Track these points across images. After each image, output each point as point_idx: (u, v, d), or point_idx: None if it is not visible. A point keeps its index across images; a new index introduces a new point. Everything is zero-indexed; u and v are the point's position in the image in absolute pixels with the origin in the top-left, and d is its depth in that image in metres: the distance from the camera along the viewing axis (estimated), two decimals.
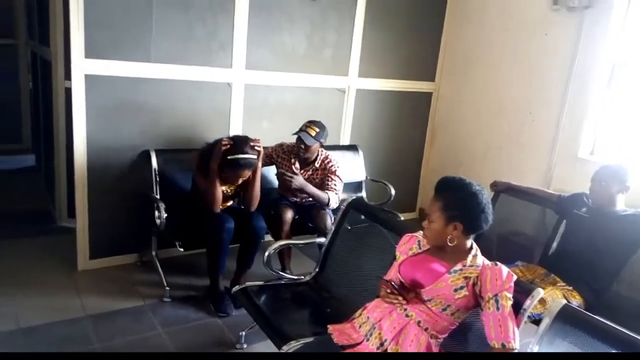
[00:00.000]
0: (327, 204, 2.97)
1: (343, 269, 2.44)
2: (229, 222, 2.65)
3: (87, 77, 2.77)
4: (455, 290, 1.61)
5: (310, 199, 3.04)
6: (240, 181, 2.75)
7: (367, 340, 1.68)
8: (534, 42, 3.59)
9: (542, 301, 2.00)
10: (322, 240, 2.59)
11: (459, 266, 1.65)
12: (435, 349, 1.64)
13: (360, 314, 1.78)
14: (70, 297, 2.72)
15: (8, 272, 2.88)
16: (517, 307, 1.58)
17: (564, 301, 1.62)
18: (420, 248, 1.81)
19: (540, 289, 1.61)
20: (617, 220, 2.31)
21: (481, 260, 1.68)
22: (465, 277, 1.62)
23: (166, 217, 2.75)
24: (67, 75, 3.07)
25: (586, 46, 3.28)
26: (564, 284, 2.30)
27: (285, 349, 1.85)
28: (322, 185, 3.03)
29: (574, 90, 3.35)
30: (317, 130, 2.98)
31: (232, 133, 3.20)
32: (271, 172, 3.26)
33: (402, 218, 3.72)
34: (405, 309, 1.67)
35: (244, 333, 2.42)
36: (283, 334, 1.94)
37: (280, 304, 2.36)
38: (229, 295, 2.70)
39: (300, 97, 3.61)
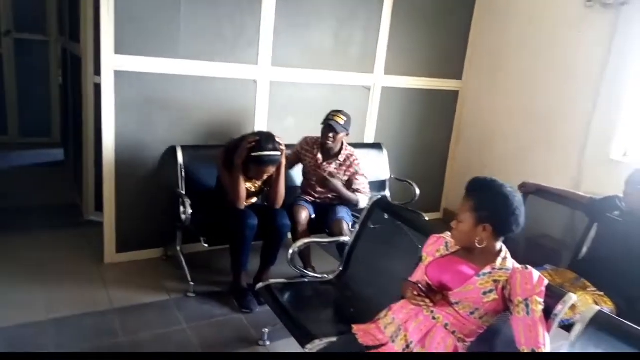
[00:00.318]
0: (357, 206, 2.98)
1: (367, 268, 2.42)
2: (253, 218, 2.66)
3: (116, 73, 2.81)
4: (484, 293, 1.58)
5: (330, 197, 3.06)
6: (265, 177, 2.75)
7: (393, 341, 1.66)
8: (566, 40, 3.50)
9: (572, 306, 1.95)
10: (345, 239, 2.58)
11: (488, 269, 1.62)
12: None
13: (386, 315, 1.76)
14: (98, 290, 2.77)
15: (37, 263, 2.95)
16: (548, 312, 1.54)
17: (598, 307, 1.57)
18: (447, 250, 1.78)
19: (573, 295, 1.57)
20: None
21: (511, 263, 1.64)
22: (495, 281, 1.59)
23: (191, 212, 2.77)
24: (97, 71, 3.12)
25: (621, 44, 3.18)
26: (595, 289, 2.24)
27: (309, 347, 1.84)
28: (348, 185, 3.03)
29: (607, 89, 3.25)
30: (345, 119, 3.01)
31: (257, 130, 3.21)
32: (297, 170, 3.26)
33: (427, 218, 3.68)
34: (432, 311, 1.65)
35: (267, 330, 2.43)
36: (307, 332, 1.93)
37: (303, 302, 2.35)
38: (252, 292, 2.71)
39: (325, 95, 3.60)
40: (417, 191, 3.66)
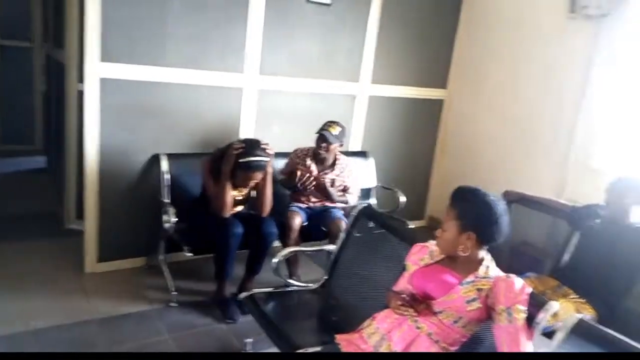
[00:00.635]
0: (347, 204, 3.08)
1: (352, 277, 2.41)
2: (238, 227, 2.64)
3: (102, 80, 2.78)
4: (468, 302, 1.59)
5: (323, 202, 3.09)
6: (252, 184, 2.74)
7: (376, 351, 1.65)
8: (549, 51, 3.56)
9: (555, 314, 1.96)
10: (331, 247, 2.57)
11: (471, 278, 1.63)
12: None
13: (370, 324, 1.76)
14: (78, 300, 2.71)
15: (15, 273, 2.88)
16: (530, 320, 1.55)
17: (579, 315, 1.58)
18: (431, 258, 1.78)
19: (555, 303, 1.58)
20: (632, 233, 2.27)
21: (494, 271, 1.65)
22: (478, 289, 1.60)
23: (175, 221, 2.74)
24: (80, 78, 3.09)
25: (603, 55, 3.24)
26: (577, 296, 2.26)
27: None
28: (343, 191, 3.11)
29: (589, 99, 3.31)
30: (339, 129, 3.04)
31: (242, 137, 3.19)
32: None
33: (412, 226, 3.69)
34: (416, 321, 1.64)
35: (250, 340, 2.40)
36: (290, 342, 1.91)
37: (287, 312, 2.34)
38: (235, 302, 2.68)
39: (311, 103, 3.60)
40: (403, 199, 3.67)
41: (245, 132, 3.32)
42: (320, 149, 3.02)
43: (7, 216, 3.68)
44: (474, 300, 1.58)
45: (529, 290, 1.57)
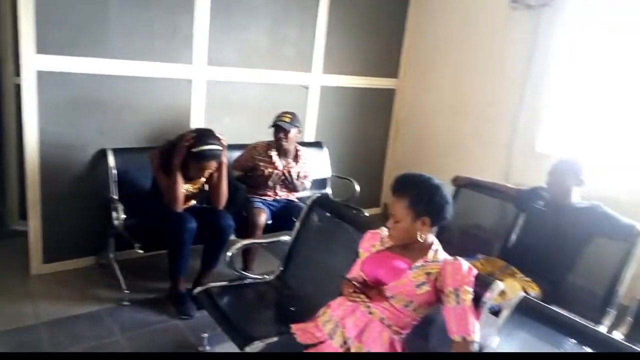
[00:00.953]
0: (306, 189, 3.21)
1: (308, 267, 2.42)
2: (191, 221, 2.58)
3: (39, 73, 2.65)
4: (418, 286, 1.62)
5: (285, 194, 3.14)
6: (206, 174, 2.67)
7: (331, 338, 1.66)
8: (494, 40, 3.66)
9: (502, 293, 2.04)
10: (287, 238, 2.56)
11: (420, 262, 1.66)
12: (397, 345, 1.64)
13: (324, 312, 1.77)
14: (23, 304, 2.60)
15: None
16: (477, 300, 1.60)
17: (523, 293, 1.65)
18: (382, 245, 1.81)
19: (499, 282, 1.64)
20: (573, 213, 2.38)
21: (442, 255, 1.69)
22: (427, 273, 1.63)
23: (125, 217, 2.66)
24: (17, 72, 2.93)
25: (543, 44, 3.37)
26: (523, 275, 2.35)
27: (248, 350, 1.81)
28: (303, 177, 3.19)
29: (532, 86, 3.44)
30: (290, 116, 3.03)
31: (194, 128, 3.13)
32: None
33: (367, 214, 3.73)
34: (369, 307, 1.66)
35: (206, 335, 2.37)
36: (246, 334, 1.90)
37: (243, 305, 2.32)
38: (191, 297, 2.64)
39: (263, 94, 3.57)
40: (357, 188, 3.71)
41: (196, 124, 3.25)
42: (281, 140, 3.00)
43: None
44: (423, 284, 1.62)
45: (475, 271, 1.62)
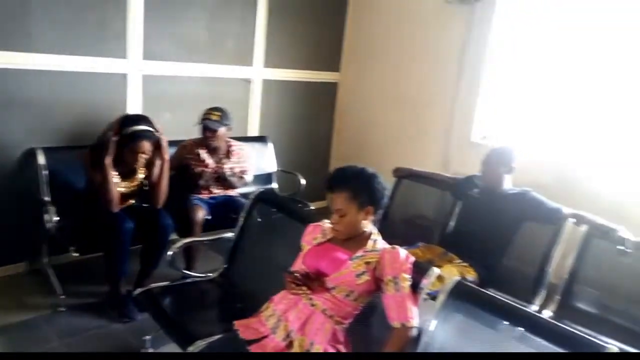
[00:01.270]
0: (247, 184, 3.13)
1: (253, 262, 2.40)
2: (128, 222, 2.50)
3: None
4: (357, 275, 1.65)
5: (226, 191, 3.08)
6: (142, 159, 2.53)
7: (274, 333, 1.67)
8: (430, 34, 3.76)
9: (441, 278, 2.11)
10: (230, 235, 2.53)
11: (360, 252, 1.69)
12: (340, 335, 1.67)
13: (267, 307, 1.77)
14: None
15: None
16: (415, 287, 1.65)
17: (457, 278, 1.71)
18: (324, 237, 1.83)
19: (435, 268, 1.70)
20: (504, 199, 2.50)
21: (381, 244, 1.73)
22: (367, 263, 1.67)
23: (58, 220, 2.54)
24: None
25: (476, 37, 3.49)
26: (460, 261, 2.45)
27: (191, 349, 1.78)
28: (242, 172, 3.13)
29: (466, 79, 3.57)
30: (219, 114, 2.94)
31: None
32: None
33: (313, 207, 3.76)
34: (311, 299, 1.68)
35: (149, 337, 2.31)
36: (188, 334, 1.87)
37: (187, 304, 2.28)
38: (132, 299, 2.56)
39: (204, 88, 3.50)
40: (303, 181, 3.72)
41: None
42: (209, 139, 2.94)
43: None
44: (363, 273, 1.65)
45: (413, 259, 1.67)
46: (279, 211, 2.41)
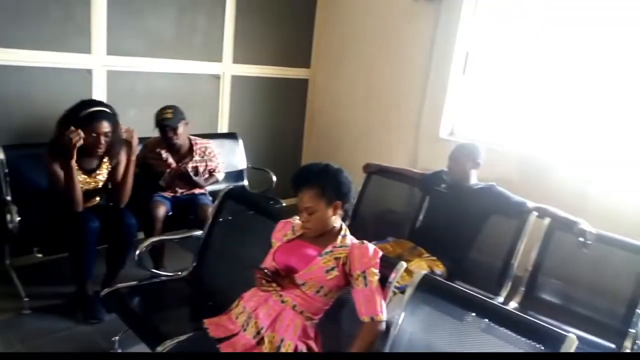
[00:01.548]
0: (218, 181, 3.09)
1: (223, 260, 2.38)
2: (93, 221, 2.44)
3: None
4: (327, 271, 1.66)
5: (191, 190, 3.02)
6: (104, 143, 2.44)
7: (244, 330, 1.66)
8: (398, 31, 3.80)
9: (409, 273, 2.15)
10: (199, 233, 2.50)
11: (329, 248, 1.70)
12: (310, 331, 1.68)
13: (237, 305, 1.76)
14: None
15: None
16: (384, 281, 1.68)
17: (424, 271, 1.75)
18: (294, 234, 1.83)
19: (403, 262, 1.72)
20: (471, 193, 2.56)
21: (350, 240, 1.74)
22: (336, 258, 1.68)
23: (20, 220, 2.46)
24: None
25: (443, 35, 3.54)
26: (429, 255, 2.49)
27: (159, 349, 1.76)
28: (210, 172, 3.09)
29: (434, 76, 3.62)
30: (171, 110, 2.86)
31: None
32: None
33: (285, 204, 3.75)
34: (281, 295, 1.68)
35: (117, 338, 2.27)
36: (156, 334, 1.84)
37: (156, 304, 2.24)
38: (99, 300, 2.50)
39: (172, 84, 3.44)
40: (274, 178, 3.71)
41: None
42: (171, 139, 2.87)
43: None
44: (332, 269, 1.66)
45: (381, 254, 1.69)
46: (249, 208, 2.40)
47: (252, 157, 3.88)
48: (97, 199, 2.69)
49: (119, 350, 2.28)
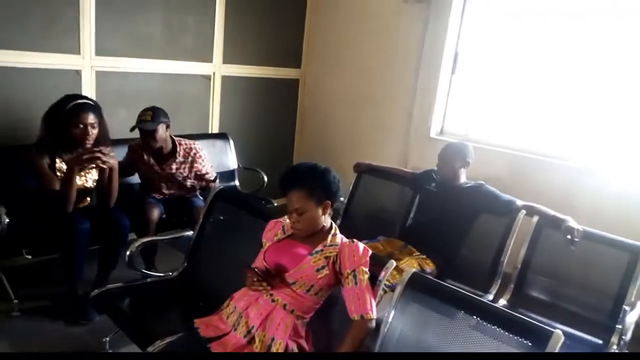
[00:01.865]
0: (214, 181, 3.04)
1: (214, 260, 2.38)
2: (84, 222, 2.43)
3: None
4: (317, 270, 1.67)
5: (181, 191, 3.00)
6: (92, 134, 2.46)
7: (235, 329, 1.67)
8: (388, 32, 3.82)
9: (400, 271, 2.16)
10: (190, 233, 2.50)
11: (319, 247, 1.71)
12: (301, 329, 1.69)
13: (228, 304, 1.77)
14: None
15: None
16: (374, 280, 1.69)
17: (414, 269, 1.76)
18: (284, 233, 1.84)
19: (392, 261, 1.73)
20: (460, 192, 2.58)
21: (340, 238, 1.75)
22: (326, 257, 1.69)
23: (8, 221, 2.45)
24: None
25: (432, 36, 3.57)
26: (419, 253, 2.51)
27: (150, 349, 1.76)
28: (199, 179, 3.02)
29: (424, 76, 3.64)
30: (151, 113, 2.77)
31: None
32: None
33: (276, 204, 3.76)
34: (271, 295, 1.69)
35: (108, 339, 2.26)
36: (147, 334, 1.84)
37: (146, 304, 2.23)
38: (90, 300, 2.49)
39: (161, 85, 3.43)
40: (265, 178, 3.71)
41: None
42: (152, 143, 2.79)
43: None
44: (322, 268, 1.67)
45: (370, 252, 1.70)
46: (240, 208, 2.41)
47: (243, 158, 3.89)
48: (88, 199, 2.68)
49: (110, 351, 2.28)
